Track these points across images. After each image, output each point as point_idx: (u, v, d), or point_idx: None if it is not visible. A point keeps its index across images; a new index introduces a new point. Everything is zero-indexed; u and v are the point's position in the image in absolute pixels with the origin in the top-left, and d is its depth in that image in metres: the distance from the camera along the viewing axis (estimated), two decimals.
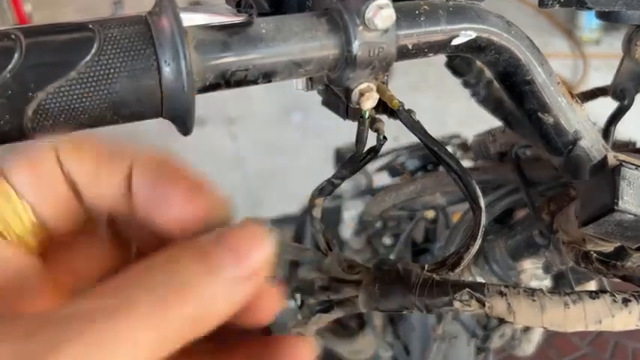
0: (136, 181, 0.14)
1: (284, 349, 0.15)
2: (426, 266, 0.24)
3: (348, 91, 0.23)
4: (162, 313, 0.12)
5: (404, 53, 0.22)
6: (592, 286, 0.38)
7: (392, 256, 0.57)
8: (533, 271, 0.39)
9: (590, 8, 0.27)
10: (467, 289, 0.23)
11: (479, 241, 0.24)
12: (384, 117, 0.25)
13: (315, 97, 0.27)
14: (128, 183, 0.14)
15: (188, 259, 0.13)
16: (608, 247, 0.29)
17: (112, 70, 0.17)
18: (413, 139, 0.26)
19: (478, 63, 0.28)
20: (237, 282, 0.13)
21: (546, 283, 0.41)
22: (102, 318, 0.11)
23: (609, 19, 0.30)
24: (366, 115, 0.24)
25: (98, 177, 0.14)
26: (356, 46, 0.20)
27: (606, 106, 0.36)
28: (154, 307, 0.12)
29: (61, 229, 0.15)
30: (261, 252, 0.14)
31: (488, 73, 0.28)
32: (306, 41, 0.20)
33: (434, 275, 0.24)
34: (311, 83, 0.25)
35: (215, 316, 0.13)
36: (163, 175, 0.14)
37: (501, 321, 0.40)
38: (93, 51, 0.17)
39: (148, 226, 0.15)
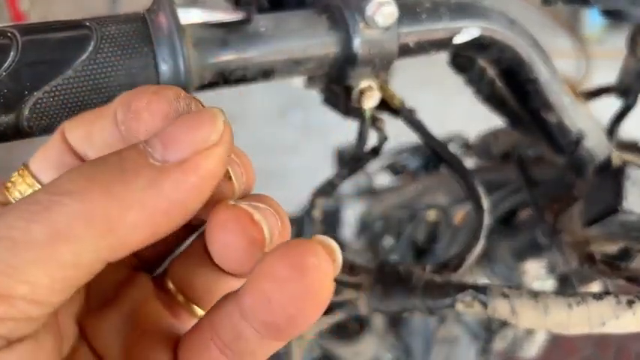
0: (118, 118, 0.14)
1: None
2: (428, 267, 0.24)
3: (348, 90, 0.22)
4: (50, 208, 0.11)
5: (405, 51, 0.22)
6: (596, 287, 0.38)
7: (393, 257, 0.57)
8: (536, 272, 0.38)
9: (593, 6, 0.27)
10: (469, 291, 0.23)
11: (482, 242, 0.23)
12: (385, 115, 0.25)
13: (315, 95, 0.26)
14: (118, 127, 0.14)
15: (106, 156, 0.12)
16: (613, 248, 0.29)
17: (109, 68, 0.17)
18: (414, 138, 0.25)
19: (481, 61, 0.28)
20: (166, 167, 0.12)
21: (550, 284, 0.40)
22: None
23: (613, 17, 0.30)
24: (367, 114, 0.24)
25: (91, 136, 0.14)
26: (356, 44, 0.20)
27: (610, 105, 0.36)
28: (40, 202, 0.11)
29: None
30: (203, 130, 0.12)
31: (491, 71, 0.27)
32: (306, 39, 0.20)
33: (436, 276, 0.24)
34: (311, 81, 0.24)
35: (140, 210, 0.12)
36: (131, 95, 0.14)
37: (504, 323, 0.40)
38: (90, 49, 0.17)
39: None
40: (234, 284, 0.16)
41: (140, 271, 0.16)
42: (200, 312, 0.16)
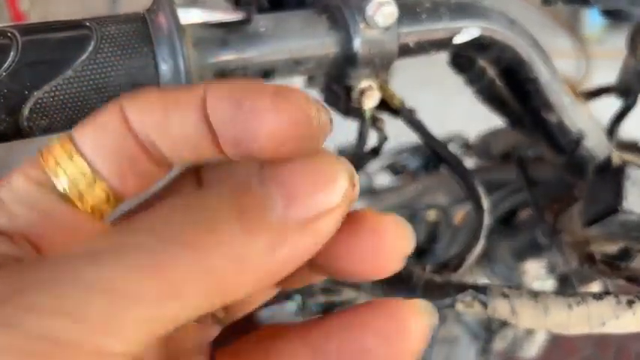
0: (214, 111, 0.12)
1: (386, 314, 0.12)
2: (428, 267, 0.24)
3: (348, 90, 0.22)
4: (165, 261, 0.10)
5: (405, 51, 0.22)
6: (596, 287, 0.38)
7: None
8: (536, 272, 0.38)
9: (593, 6, 0.27)
10: (469, 291, 0.23)
11: (482, 242, 0.23)
12: (385, 115, 0.25)
13: (314, 95, 0.26)
14: (206, 120, 0.12)
15: (221, 198, 0.11)
16: (613, 248, 0.29)
17: (109, 69, 0.17)
18: (414, 138, 0.25)
19: (481, 61, 0.28)
20: (286, 228, 0.10)
21: (550, 284, 0.40)
22: (85, 266, 0.09)
23: (613, 17, 0.30)
24: (367, 114, 0.24)
25: (169, 124, 0.12)
26: (356, 44, 0.20)
27: (610, 105, 0.36)
28: (154, 254, 0.10)
29: (132, 189, 0.13)
30: (328, 191, 0.11)
31: (491, 71, 0.27)
32: (306, 39, 0.20)
33: (436, 276, 0.24)
34: (311, 81, 0.24)
35: (253, 273, 0.10)
36: (243, 92, 0.12)
37: (504, 323, 0.40)
38: (90, 49, 0.17)
39: (239, 161, 0.12)
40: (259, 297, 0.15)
41: None
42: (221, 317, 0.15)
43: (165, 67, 0.17)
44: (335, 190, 0.11)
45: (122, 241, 0.10)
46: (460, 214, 0.48)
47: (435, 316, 0.12)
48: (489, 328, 0.47)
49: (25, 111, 0.16)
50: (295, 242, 0.11)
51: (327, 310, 0.27)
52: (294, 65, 0.20)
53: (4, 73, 0.16)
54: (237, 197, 0.11)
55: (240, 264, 0.10)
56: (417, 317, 0.12)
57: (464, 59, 0.29)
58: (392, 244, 0.12)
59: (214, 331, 0.15)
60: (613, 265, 0.27)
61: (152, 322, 0.10)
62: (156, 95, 0.12)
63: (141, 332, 0.10)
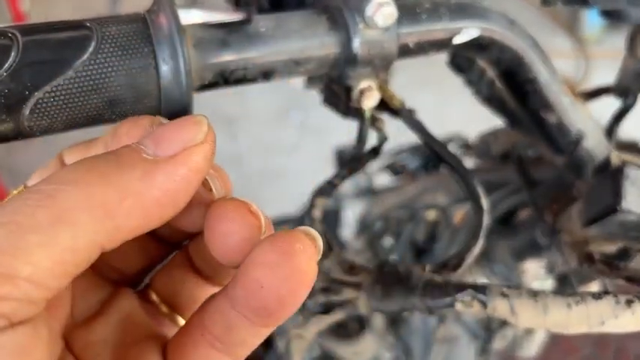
0: (107, 144, 0.16)
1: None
2: (428, 267, 0.24)
3: (348, 90, 0.22)
4: (54, 195, 0.12)
5: (405, 51, 0.22)
6: (595, 287, 0.38)
7: (393, 257, 0.57)
8: (535, 272, 0.38)
9: (592, 6, 0.27)
10: (469, 290, 0.23)
11: (481, 242, 0.23)
12: (385, 116, 0.25)
13: (315, 95, 0.26)
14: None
15: (106, 154, 0.14)
16: (612, 248, 0.29)
17: (109, 69, 0.17)
18: (414, 138, 0.25)
19: (480, 62, 0.28)
20: (157, 160, 0.13)
21: (549, 283, 0.40)
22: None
23: (612, 17, 0.30)
24: (367, 114, 0.24)
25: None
26: (356, 44, 0.20)
27: (609, 105, 0.36)
28: (45, 192, 0.12)
29: None
30: (192, 130, 0.14)
31: (490, 72, 0.27)
32: (306, 39, 0.20)
33: (435, 276, 0.24)
34: (311, 81, 0.24)
35: (135, 198, 0.13)
36: (118, 125, 0.16)
37: (504, 322, 0.40)
38: (90, 49, 0.17)
39: None
40: (215, 292, 0.16)
41: (122, 286, 0.17)
42: (182, 321, 0.17)
43: (165, 68, 0.17)
44: (198, 130, 0.14)
45: (24, 190, 0.13)
46: (460, 214, 0.48)
47: (319, 238, 0.14)
48: (489, 328, 0.47)
49: (26, 111, 0.16)
50: (168, 171, 0.13)
51: (327, 309, 0.27)
52: (294, 65, 0.20)
53: (4, 73, 0.16)
54: (115, 150, 0.14)
55: (120, 192, 0.13)
56: (301, 240, 0.13)
57: (463, 60, 0.29)
58: (227, 228, 0.14)
59: (168, 329, 0.17)
60: (612, 265, 0.28)
61: (50, 247, 0.12)
62: (83, 142, 0.16)
63: (44, 257, 0.12)
